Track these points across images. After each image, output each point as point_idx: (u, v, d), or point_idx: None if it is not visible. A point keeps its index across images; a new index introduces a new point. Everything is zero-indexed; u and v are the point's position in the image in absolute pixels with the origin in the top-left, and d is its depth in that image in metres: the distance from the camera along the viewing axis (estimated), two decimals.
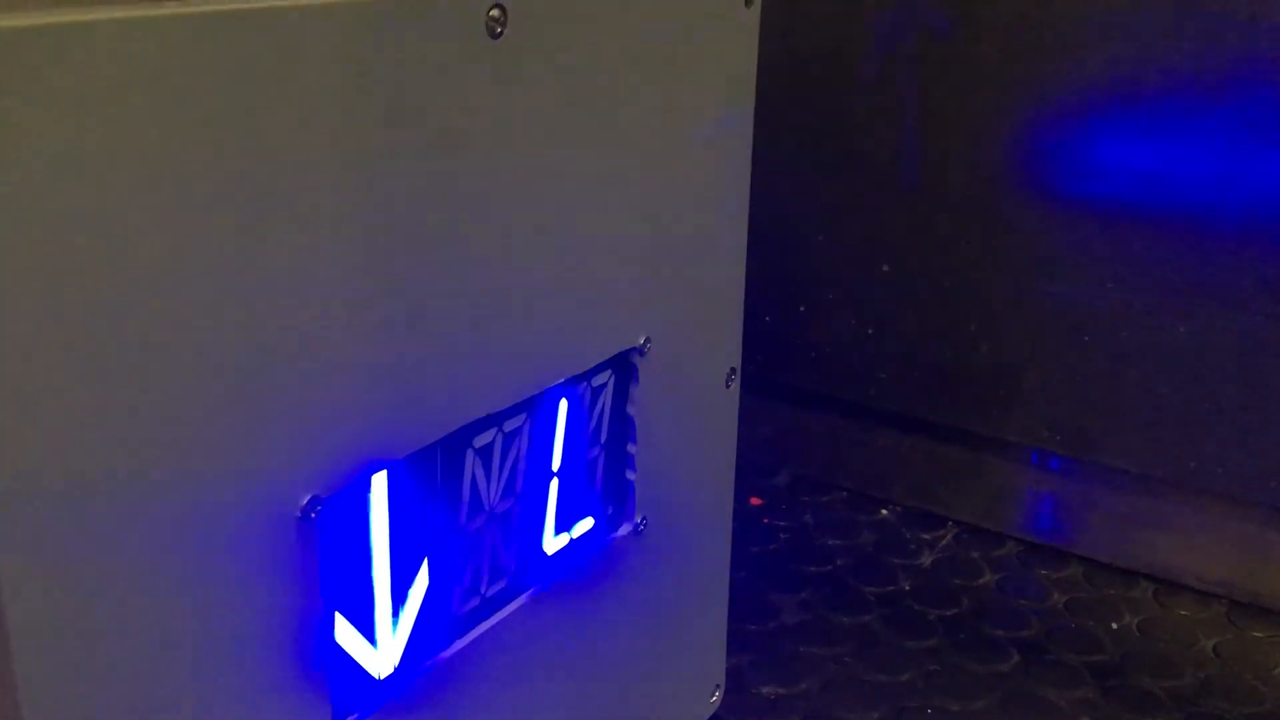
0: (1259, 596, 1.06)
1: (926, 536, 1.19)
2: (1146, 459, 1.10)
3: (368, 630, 0.55)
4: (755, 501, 1.25)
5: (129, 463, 0.41)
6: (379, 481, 0.53)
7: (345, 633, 0.53)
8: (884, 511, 1.23)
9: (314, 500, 0.49)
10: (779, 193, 1.19)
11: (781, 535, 1.18)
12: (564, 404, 0.66)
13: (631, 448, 0.72)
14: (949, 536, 1.19)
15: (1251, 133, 1.01)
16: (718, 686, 0.89)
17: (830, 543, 1.17)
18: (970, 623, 1.04)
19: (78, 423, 0.39)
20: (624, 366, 0.70)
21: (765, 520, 1.21)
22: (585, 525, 0.70)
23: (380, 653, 0.56)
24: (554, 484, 0.67)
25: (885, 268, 1.19)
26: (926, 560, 1.14)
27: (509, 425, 0.62)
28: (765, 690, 0.93)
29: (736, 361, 0.82)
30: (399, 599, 0.56)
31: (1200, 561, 1.09)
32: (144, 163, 0.40)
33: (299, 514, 0.48)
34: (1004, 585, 1.10)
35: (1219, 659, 0.99)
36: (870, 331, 1.22)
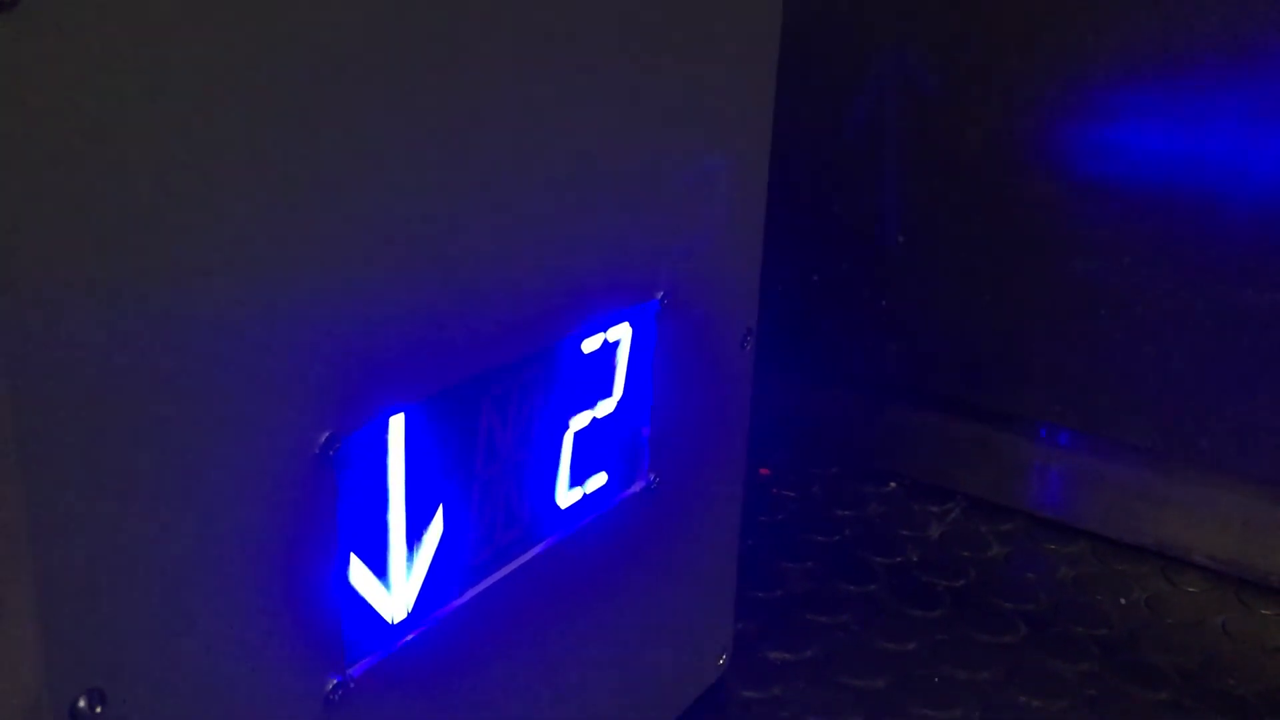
0: (1269, 575, 1.06)
1: (935, 509, 1.18)
2: (1159, 435, 1.10)
3: (382, 574, 0.55)
4: (764, 472, 1.25)
5: (145, 393, 0.41)
6: (396, 424, 0.53)
7: (360, 575, 0.53)
8: (892, 484, 1.23)
9: (332, 438, 0.48)
10: (792, 162, 1.19)
11: (789, 506, 1.18)
12: (580, 357, 0.66)
13: (646, 405, 0.72)
14: (957, 510, 1.18)
15: (1272, 111, 1.00)
16: (724, 650, 0.88)
17: (838, 514, 1.17)
18: (978, 594, 1.04)
19: (93, 354, 0.39)
20: (641, 321, 0.70)
21: (774, 490, 1.21)
22: (598, 481, 0.70)
23: (394, 597, 0.55)
24: (568, 437, 0.66)
25: (900, 238, 1.18)
26: (934, 532, 1.14)
27: (525, 375, 0.61)
28: (771, 655, 0.93)
29: (753, 324, 0.81)
30: (414, 543, 0.56)
31: (1210, 539, 1.09)
32: (163, 89, 0.39)
33: (317, 451, 0.48)
34: (1012, 559, 1.10)
35: (1227, 636, 0.99)
36: (884, 303, 1.21)
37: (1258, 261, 1.02)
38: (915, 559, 1.09)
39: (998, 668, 0.93)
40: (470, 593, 0.60)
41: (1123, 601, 1.03)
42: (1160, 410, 1.09)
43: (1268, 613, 1.02)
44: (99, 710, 0.41)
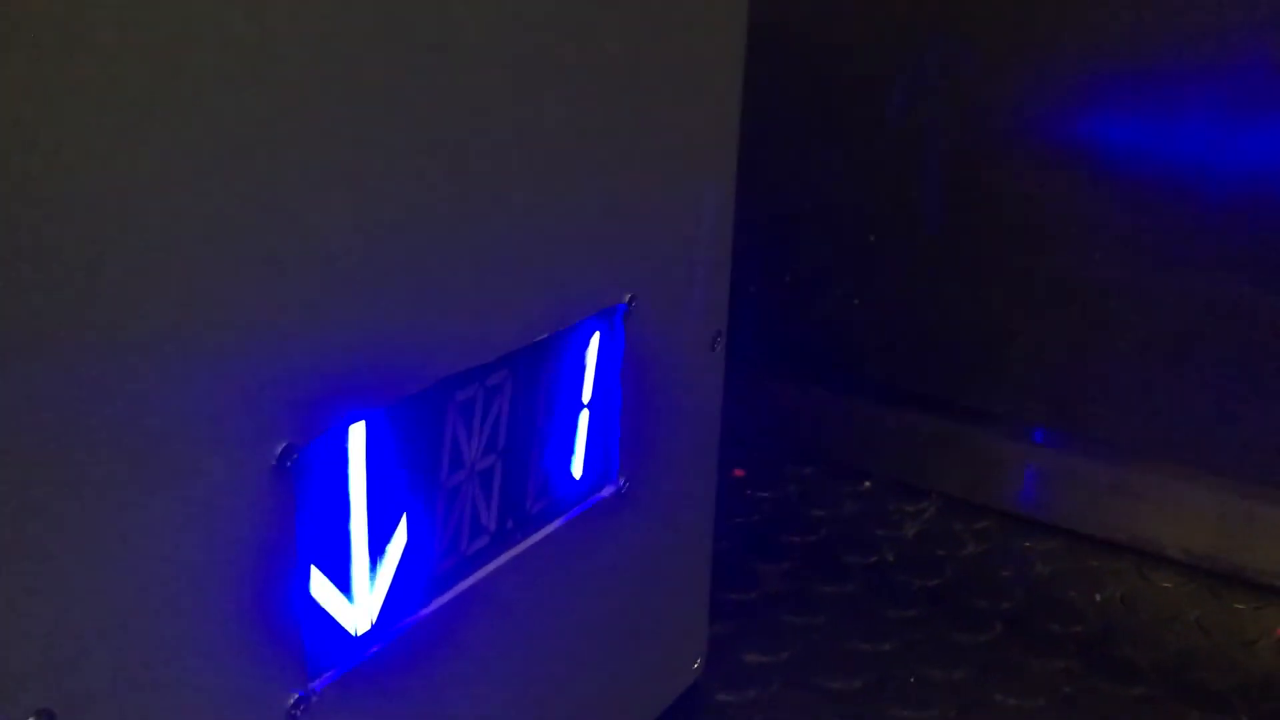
0: (1242, 569, 1.06)
1: (910, 508, 1.18)
2: (1131, 431, 1.10)
3: (344, 585, 0.54)
4: (738, 473, 1.24)
5: (94, 404, 0.40)
6: (357, 432, 0.52)
7: (321, 587, 0.52)
8: (867, 483, 1.23)
9: (289, 448, 0.47)
10: (764, 159, 1.18)
11: (764, 506, 1.17)
12: (547, 360, 0.65)
13: (615, 409, 0.71)
14: (932, 508, 1.18)
15: (1241, 106, 1.00)
16: (700, 654, 0.88)
17: (813, 514, 1.16)
18: (953, 593, 1.03)
19: (41, 362, 0.38)
20: (609, 325, 0.69)
21: (748, 492, 1.20)
22: (568, 485, 0.69)
23: (357, 608, 0.54)
24: (536, 443, 0.66)
25: (871, 237, 1.18)
26: (910, 531, 1.14)
27: (491, 381, 0.60)
28: (747, 658, 0.93)
29: (723, 325, 0.80)
30: (376, 554, 0.55)
31: (1184, 534, 1.09)
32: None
33: (274, 462, 0.47)
34: (987, 556, 1.10)
35: (1202, 630, 0.99)
36: (856, 302, 1.21)
37: (1230, 255, 1.02)
38: (891, 558, 1.09)
39: (973, 667, 0.93)
40: (436, 603, 0.59)
41: (1098, 598, 1.03)
42: (1133, 405, 1.09)
43: (1242, 607, 1.02)
44: None
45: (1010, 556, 1.10)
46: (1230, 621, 1.00)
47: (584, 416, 0.69)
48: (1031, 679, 0.91)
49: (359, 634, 0.55)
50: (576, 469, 0.70)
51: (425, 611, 0.58)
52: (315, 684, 0.52)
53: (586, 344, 0.68)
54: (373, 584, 0.55)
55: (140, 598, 0.43)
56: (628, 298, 0.69)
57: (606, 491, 0.72)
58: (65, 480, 0.39)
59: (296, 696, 0.50)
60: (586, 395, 0.69)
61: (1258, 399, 1.04)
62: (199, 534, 0.44)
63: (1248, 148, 1.00)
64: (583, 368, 0.68)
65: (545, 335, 0.63)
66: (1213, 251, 1.03)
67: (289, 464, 0.47)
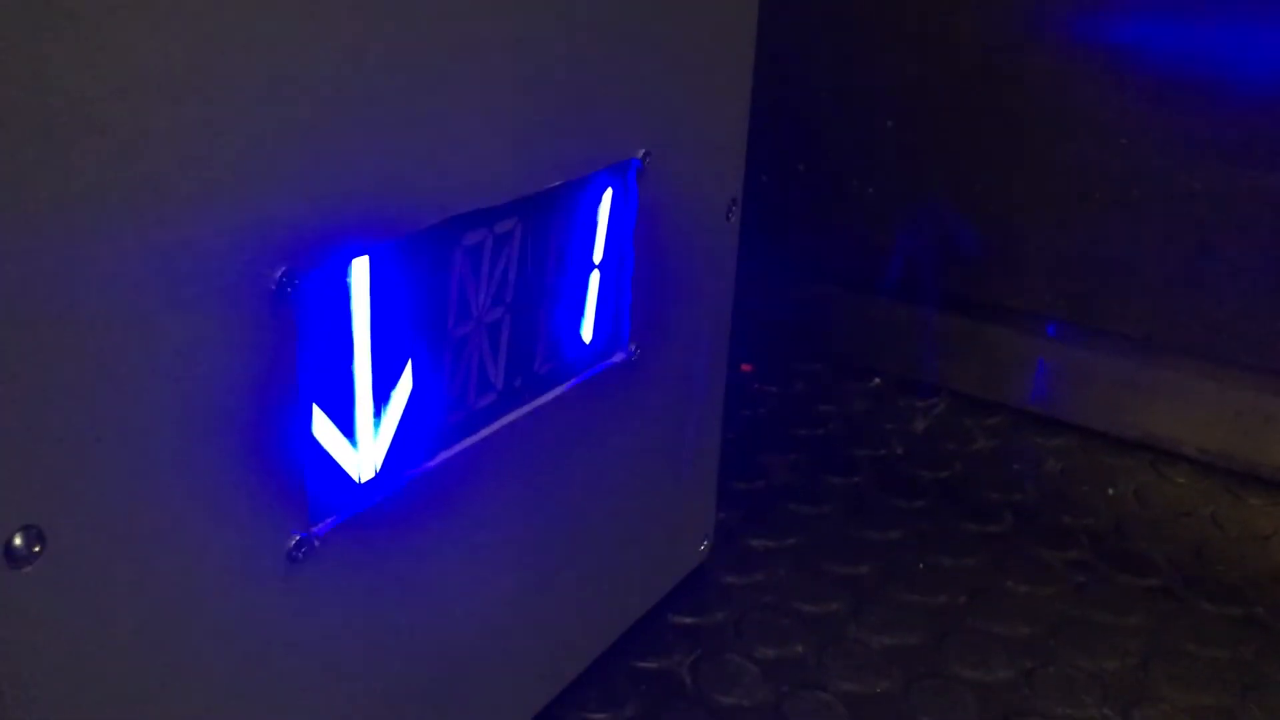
0: (1259, 466, 1.04)
1: (920, 404, 1.16)
2: (1150, 324, 1.07)
3: (348, 429, 0.51)
4: (746, 368, 1.22)
5: (84, 208, 0.37)
6: (360, 266, 0.49)
7: (324, 428, 0.50)
8: (876, 380, 1.20)
9: (290, 273, 0.45)
10: (781, 43, 1.14)
11: (771, 401, 1.15)
12: (558, 213, 0.62)
13: (627, 271, 0.69)
14: (942, 405, 1.16)
15: None
16: (706, 536, 0.86)
17: (822, 409, 1.14)
18: (963, 486, 1.02)
19: (34, 170, 0.35)
20: (623, 182, 0.66)
21: (756, 386, 1.18)
22: (577, 348, 0.67)
23: (361, 454, 0.52)
24: (545, 301, 0.63)
25: (889, 123, 1.14)
26: (919, 426, 1.12)
27: (500, 227, 0.58)
28: (754, 543, 0.91)
29: (738, 193, 0.78)
30: (381, 399, 0.53)
31: (1200, 432, 1.07)
32: None
33: (274, 286, 0.44)
34: (998, 452, 1.08)
35: (1216, 526, 0.97)
36: (871, 191, 1.18)
37: (1257, 144, 0.99)
38: (900, 452, 1.07)
39: (984, 555, 0.91)
40: (442, 457, 0.57)
41: (1111, 492, 1.02)
42: (1151, 299, 1.07)
43: (1257, 503, 1.01)
44: (37, 550, 0.38)
45: (1022, 452, 1.08)
46: (1245, 517, 0.99)
47: (595, 277, 0.67)
48: (1043, 568, 0.90)
49: (362, 481, 0.53)
50: (586, 332, 0.67)
51: (430, 464, 0.56)
52: (317, 528, 0.50)
53: (599, 200, 0.65)
54: (377, 430, 0.53)
55: (131, 417, 0.40)
56: (642, 153, 0.66)
57: (616, 358, 0.70)
58: (59, 290, 0.37)
59: (298, 538, 0.48)
60: (598, 255, 0.67)
61: (1278, 294, 1.01)
62: (195, 356, 0.42)
63: (1277, 34, 0.96)
64: (594, 226, 0.66)
65: (557, 183, 0.60)
66: (1238, 142, 1.00)
67: (289, 291, 0.45)
